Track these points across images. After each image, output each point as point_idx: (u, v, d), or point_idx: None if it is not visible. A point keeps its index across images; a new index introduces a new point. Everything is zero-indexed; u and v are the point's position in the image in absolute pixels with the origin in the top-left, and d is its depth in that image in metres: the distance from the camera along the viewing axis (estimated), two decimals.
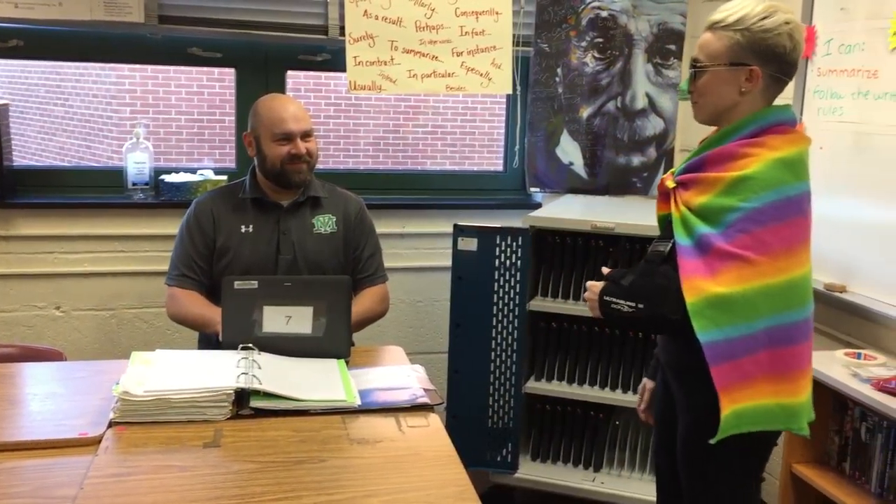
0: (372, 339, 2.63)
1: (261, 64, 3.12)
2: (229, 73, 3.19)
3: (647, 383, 2.11)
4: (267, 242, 2.42)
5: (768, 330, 1.63)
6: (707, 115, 1.78)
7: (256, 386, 1.79)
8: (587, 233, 2.77)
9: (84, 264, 2.98)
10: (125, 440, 1.65)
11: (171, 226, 2.60)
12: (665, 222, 1.84)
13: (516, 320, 2.75)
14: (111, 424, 1.70)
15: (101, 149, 7.06)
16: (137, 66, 6.46)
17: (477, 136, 7.39)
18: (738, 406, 1.62)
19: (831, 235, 2.51)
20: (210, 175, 3.08)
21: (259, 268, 2.38)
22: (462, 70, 3.01)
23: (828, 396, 2.35)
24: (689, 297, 1.63)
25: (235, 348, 1.95)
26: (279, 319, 2.02)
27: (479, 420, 2.81)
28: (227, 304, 2.03)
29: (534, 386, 2.88)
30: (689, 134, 3.18)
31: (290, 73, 3.20)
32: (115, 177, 3.07)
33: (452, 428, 2.71)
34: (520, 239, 2.71)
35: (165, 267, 2.45)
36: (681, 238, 1.71)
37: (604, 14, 3.20)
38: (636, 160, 3.30)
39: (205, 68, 6.25)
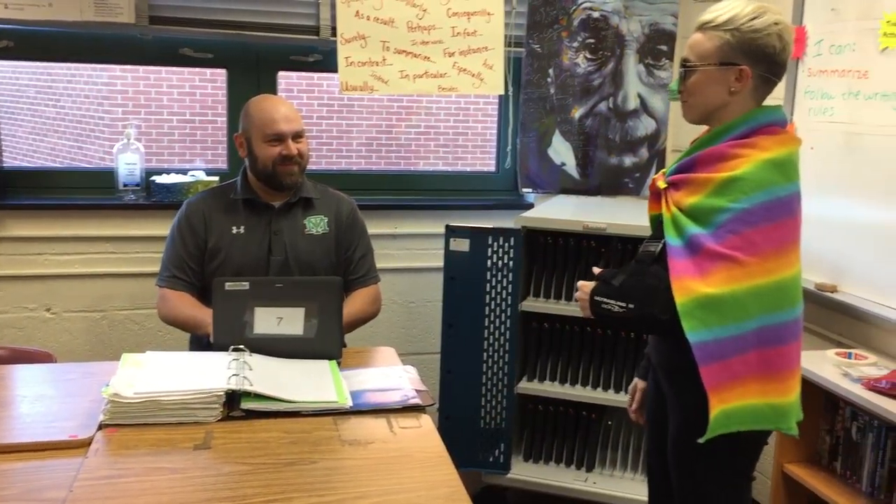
0: (364, 340, 2.63)
1: (252, 64, 3.11)
2: (221, 74, 3.19)
3: (638, 383, 2.12)
4: (258, 243, 2.41)
5: (757, 330, 1.64)
6: (697, 114, 1.79)
7: (247, 387, 1.78)
8: (579, 233, 2.78)
9: (75, 266, 2.97)
10: (115, 442, 1.64)
11: (163, 227, 2.60)
12: (657, 222, 1.84)
13: (508, 321, 2.75)
14: (101, 426, 1.69)
15: (93, 150, 7.03)
16: (129, 66, 6.43)
17: (470, 136, 7.39)
18: (727, 406, 1.63)
19: (822, 235, 2.52)
20: (201, 176, 3.07)
21: (250, 269, 2.38)
22: (454, 70, 3.01)
23: (819, 396, 2.36)
24: (679, 298, 1.63)
25: (226, 350, 1.94)
26: (270, 321, 2.02)
27: (471, 420, 2.81)
28: (218, 306, 2.03)
29: (526, 386, 2.88)
30: (681, 134, 3.19)
31: (282, 73, 3.19)
32: (106, 178, 3.05)
33: (445, 428, 2.73)
34: (512, 239, 2.71)
35: (156, 268, 2.45)
36: (671, 238, 1.71)
37: (595, 15, 3.21)
38: (628, 160, 3.30)
39: (196, 69, 6.23)
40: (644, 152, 3.30)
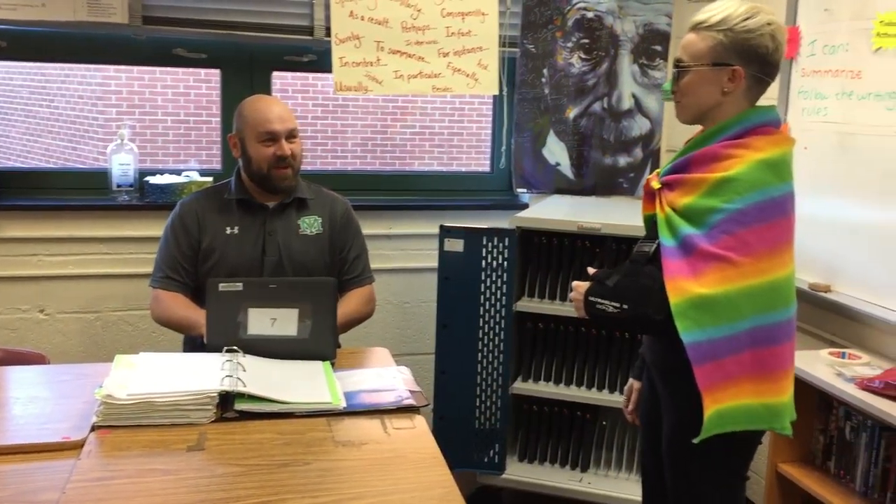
0: (358, 341, 2.63)
1: (246, 65, 3.11)
2: (215, 74, 3.18)
3: (633, 384, 2.12)
4: (252, 244, 2.41)
5: (751, 330, 1.64)
6: (690, 115, 1.79)
7: (241, 388, 1.78)
8: (573, 233, 2.78)
9: (68, 267, 2.97)
10: (108, 444, 1.64)
11: (156, 228, 2.59)
12: (651, 223, 1.84)
13: (503, 321, 2.75)
14: (94, 428, 1.69)
15: (87, 150, 7.02)
16: (123, 67, 6.43)
17: (464, 136, 7.39)
18: (721, 406, 1.63)
19: (816, 235, 2.52)
20: (195, 176, 3.07)
21: (244, 269, 2.37)
22: (448, 71, 3.01)
23: (812, 396, 2.36)
24: (673, 298, 1.63)
25: (220, 351, 1.94)
26: (264, 321, 2.01)
27: (466, 421, 2.81)
28: (212, 307, 2.03)
29: (520, 386, 2.88)
30: (675, 134, 3.19)
31: (276, 73, 3.19)
32: (99, 179, 3.05)
33: (439, 429, 2.73)
34: (506, 240, 2.71)
35: (150, 269, 2.44)
36: (665, 239, 1.71)
37: (590, 15, 3.21)
38: (622, 161, 3.30)
39: (190, 69, 6.22)
40: (638, 152, 3.30)
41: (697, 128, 1.83)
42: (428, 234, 3.12)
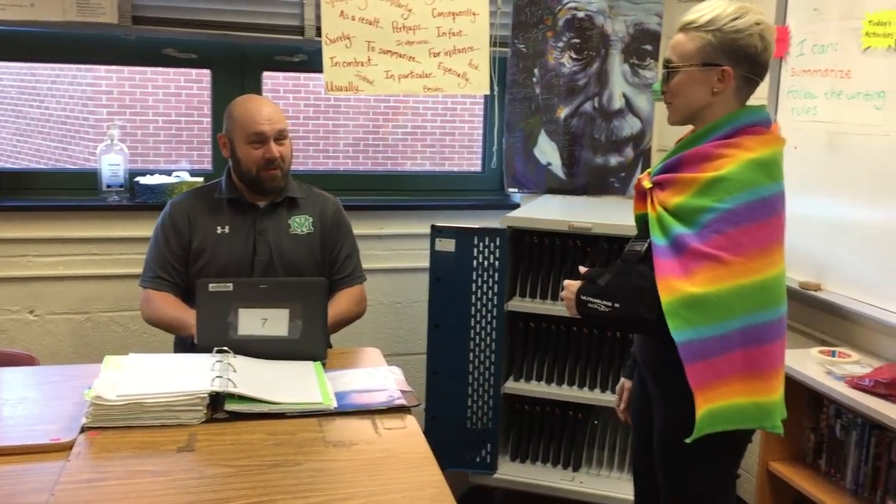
0: (350, 341, 2.62)
1: (237, 65, 3.10)
2: (206, 75, 3.17)
3: (625, 383, 2.12)
4: (243, 243, 2.40)
5: (742, 330, 1.64)
6: (681, 115, 1.79)
7: (231, 389, 1.77)
8: (565, 233, 2.78)
9: (58, 267, 2.95)
10: (98, 445, 1.63)
11: (146, 228, 2.58)
12: (642, 222, 1.85)
13: (495, 321, 2.75)
14: (84, 429, 1.68)
15: (78, 151, 6.99)
16: (113, 67, 6.41)
17: (456, 136, 7.39)
18: (712, 405, 1.63)
19: (806, 234, 2.53)
20: (185, 177, 3.06)
21: (235, 269, 2.37)
22: (439, 71, 3.01)
23: (802, 394, 2.37)
24: (665, 297, 1.64)
25: (210, 351, 1.93)
26: (255, 322, 2.01)
27: (458, 421, 2.80)
28: (202, 307, 2.02)
29: (512, 386, 2.88)
30: (666, 134, 3.19)
31: (267, 73, 3.18)
32: (89, 179, 3.04)
33: (431, 429, 2.72)
34: (498, 239, 2.71)
35: (140, 269, 2.43)
36: (656, 238, 1.72)
37: (580, 15, 3.21)
38: (613, 160, 3.31)
39: (181, 69, 6.20)
40: (629, 152, 3.30)
41: (688, 128, 1.83)
42: (419, 234, 3.12)
